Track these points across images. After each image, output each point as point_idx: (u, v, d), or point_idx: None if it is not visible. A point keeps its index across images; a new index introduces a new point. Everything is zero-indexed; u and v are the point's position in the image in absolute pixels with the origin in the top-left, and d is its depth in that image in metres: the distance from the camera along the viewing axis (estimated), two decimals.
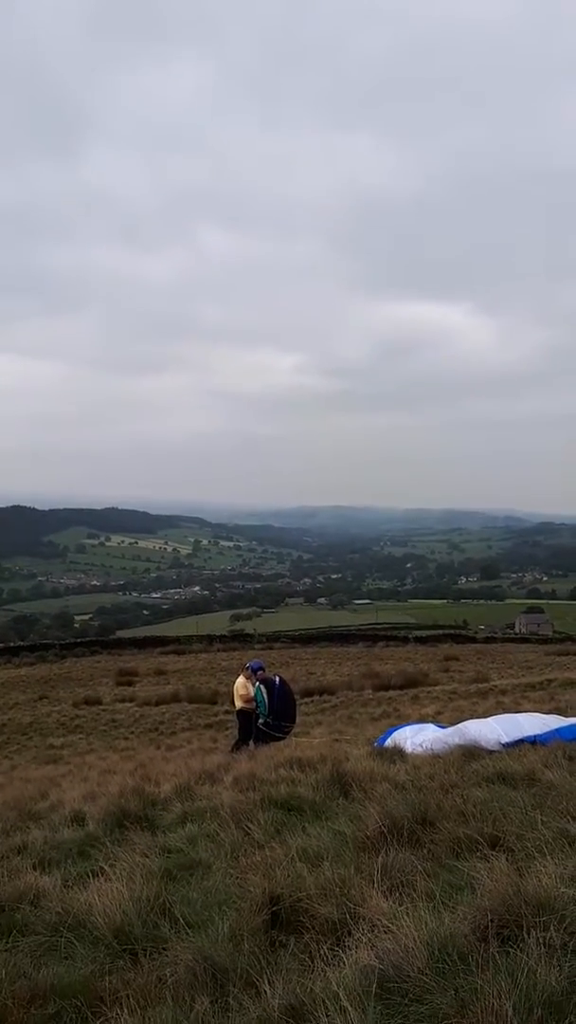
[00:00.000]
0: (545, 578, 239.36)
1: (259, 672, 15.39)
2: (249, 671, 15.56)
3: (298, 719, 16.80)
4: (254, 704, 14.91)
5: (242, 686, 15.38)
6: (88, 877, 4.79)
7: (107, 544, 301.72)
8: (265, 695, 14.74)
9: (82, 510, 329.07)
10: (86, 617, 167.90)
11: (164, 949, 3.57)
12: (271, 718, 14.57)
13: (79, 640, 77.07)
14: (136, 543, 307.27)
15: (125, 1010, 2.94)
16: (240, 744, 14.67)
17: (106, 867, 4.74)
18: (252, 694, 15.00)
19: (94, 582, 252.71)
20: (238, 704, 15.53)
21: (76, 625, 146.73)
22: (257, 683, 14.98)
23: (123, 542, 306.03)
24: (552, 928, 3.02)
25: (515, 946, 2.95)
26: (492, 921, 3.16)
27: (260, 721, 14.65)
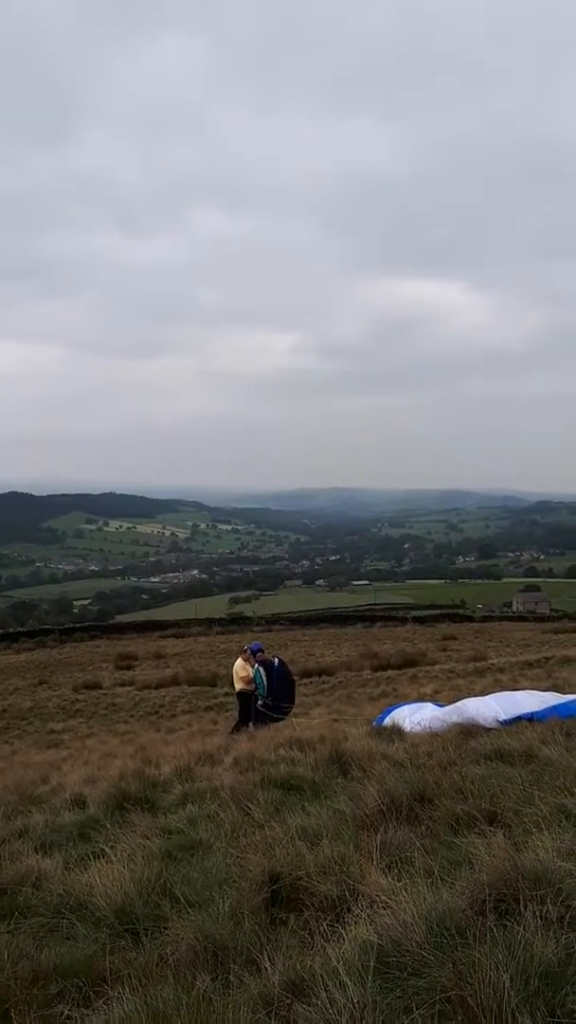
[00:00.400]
0: (542, 556, 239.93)
1: (258, 654, 15.45)
2: (248, 653, 15.62)
3: (297, 700, 16.89)
4: (254, 686, 14.98)
5: (241, 668, 15.44)
6: (89, 859, 4.82)
7: (105, 529, 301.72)
8: (264, 677, 14.80)
9: (80, 495, 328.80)
10: (85, 602, 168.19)
11: (165, 928, 3.60)
12: (270, 699, 14.65)
13: (78, 625, 77.29)
14: (134, 528, 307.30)
15: (127, 988, 2.97)
16: (240, 726, 14.75)
17: (107, 849, 4.77)
18: (252, 676, 15.07)
19: (92, 567, 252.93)
20: (238, 686, 15.61)
21: (75, 610, 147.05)
22: (256, 665, 15.04)
23: (121, 527, 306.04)
24: (549, 901, 3.05)
25: (512, 919, 2.98)
26: (490, 895, 3.19)
27: (259, 703, 14.73)
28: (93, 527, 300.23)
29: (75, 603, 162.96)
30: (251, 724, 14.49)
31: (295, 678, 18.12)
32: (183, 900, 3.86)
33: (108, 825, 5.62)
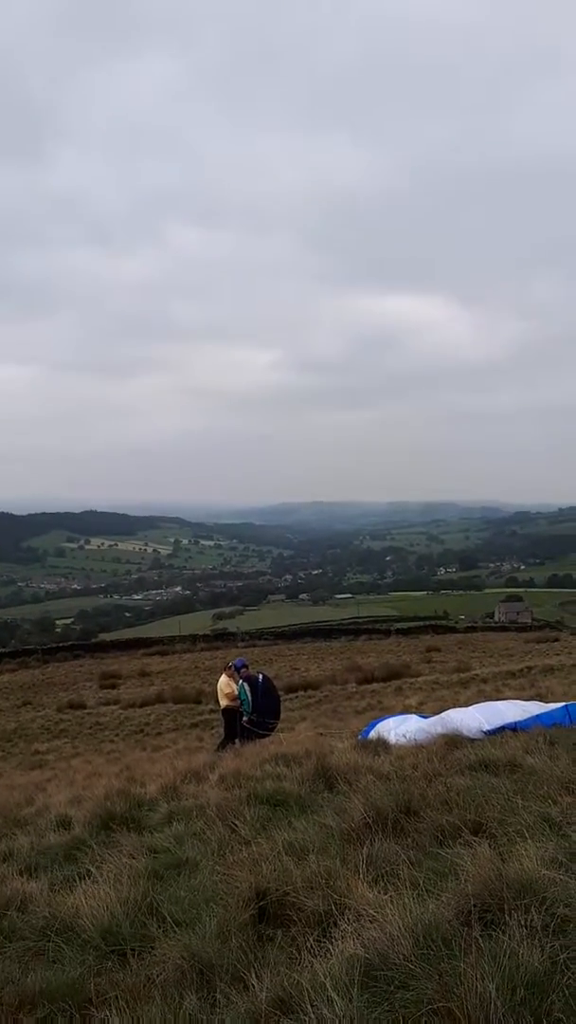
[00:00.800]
0: (522, 567, 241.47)
1: (242, 670, 15.41)
2: (232, 669, 15.58)
3: (283, 715, 16.85)
4: (239, 702, 14.93)
5: (226, 684, 15.39)
6: (75, 881, 4.78)
7: (87, 547, 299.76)
8: (249, 693, 14.77)
9: (60, 514, 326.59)
10: (67, 621, 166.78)
11: (152, 948, 3.58)
12: (256, 715, 14.60)
13: (61, 645, 76.61)
14: (116, 545, 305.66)
15: (114, 1010, 2.95)
16: (226, 742, 14.69)
17: (93, 870, 4.74)
18: (236, 692, 15.03)
19: (74, 586, 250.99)
20: (223, 703, 15.54)
21: (57, 630, 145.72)
22: (241, 681, 15.00)
23: (103, 545, 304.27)
24: (533, 910, 3.07)
25: (498, 929, 3.00)
26: (475, 906, 3.21)
27: (244, 719, 14.68)
28: (74, 546, 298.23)
29: (57, 622, 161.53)
30: (237, 740, 14.43)
31: (280, 693, 18.09)
32: (170, 919, 3.84)
33: (94, 845, 5.57)
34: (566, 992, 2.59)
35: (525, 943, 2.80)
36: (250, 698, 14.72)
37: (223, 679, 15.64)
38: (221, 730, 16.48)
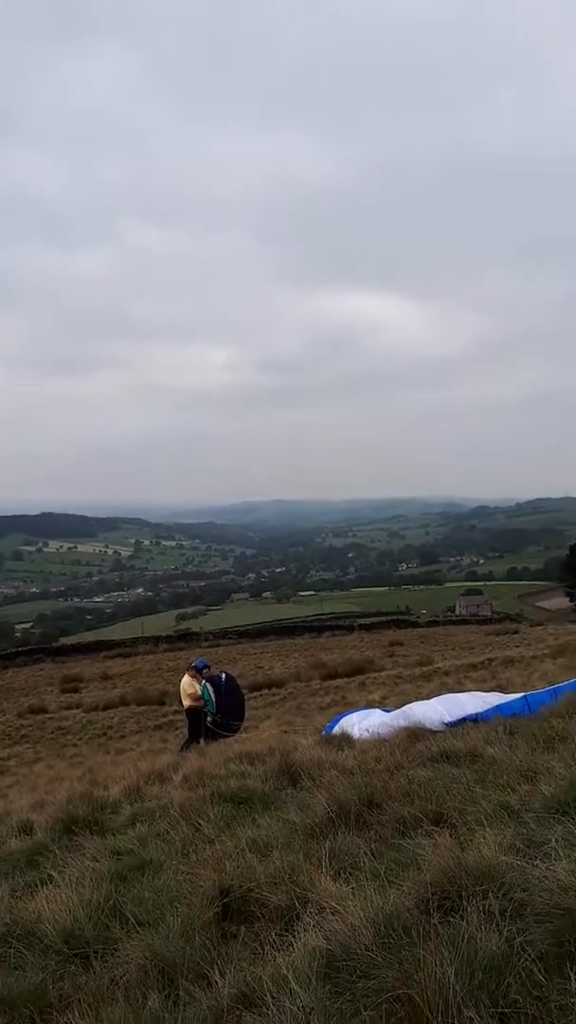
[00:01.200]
0: (482, 560, 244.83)
1: (204, 670, 15.38)
2: (194, 670, 15.54)
3: (247, 713, 16.86)
4: (202, 702, 14.89)
5: (189, 685, 15.35)
6: (37, 886, 4.73)
7: (45, 550, 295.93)
8: (212, 693, 14.74)
9: (17, 516, 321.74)
10: (27, 626, 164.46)
11: (115, 950, 3.57)
12: (219, 715, 14.58)
13: (20, 649, 75.47)
14: (75, 548, 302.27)
15: (77, 1014, 2.94)
16: (190, 743, 14.65)
17: (55, 874, 4.70)
18: (199, 692, 14.99)
19: (33, 589, 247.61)
20: (186, 703, 15.50)
21: (17, 634, 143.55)
22: (204, 681, 14.97)
23: (62, 547, 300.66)
24: (491, 896, 3.13)
25: (457, 916, 3.04)
26: (435, 894, 3.26)
27: (208, 719, 14.65)
28: (32, 548, 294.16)
29: (16, 627, 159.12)
30: (201, 740, 14.40)
31: (244, 692, 18.09)
32: (133, 920, 3.83)
33: (56, 850, 5.52)
34: (523, 974, 2.65)
35: (483, 928, 2.85)
36: (213, 698, 14.69)
37: (185, 679, 15.59)
38: (186, 731, 16.43)
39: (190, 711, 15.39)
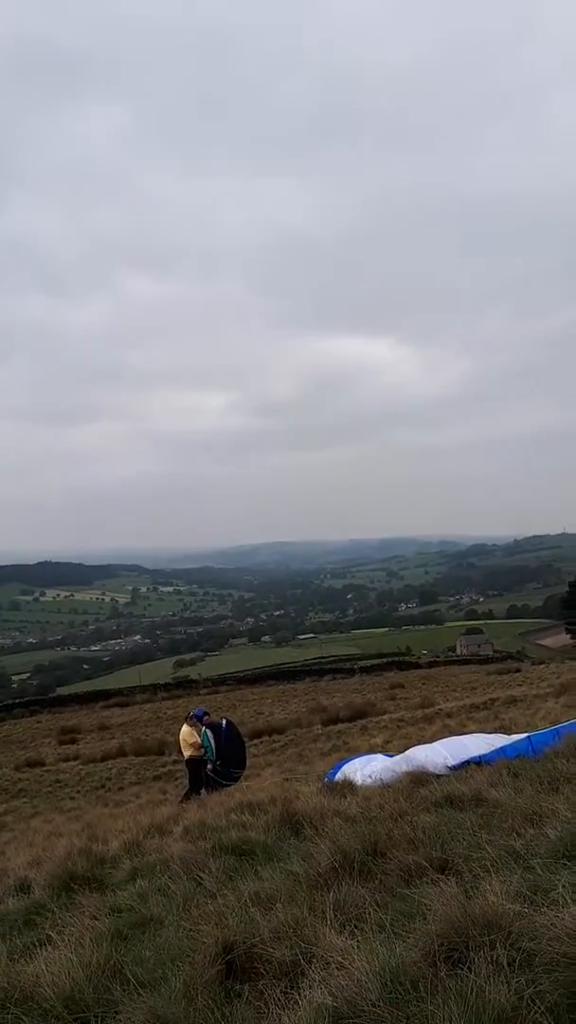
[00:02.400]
0: (481, 599, 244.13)
1: (204, 718, 15.21)
2: (193, 719, 15.37)
3: (248, 761, 16.62)
4: (203, 750, 14.70)
5: (188, 734, 15.16)
6: (35, 947, 4.61)
7: (42, 599, 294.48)
8: (212, 740, 14.56)
9: (14, 566, 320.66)
10: (24, 676, 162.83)
11: (116, 1013, 3.47)
12: (220, 763, 14.38)
13: (17, 701, 74.61)
14: (72, 596, 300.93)
15: None
16: (191, 793, 14.42)
17: (53, 934, 4.58)
18: (199, 741, 14.80)
19: (30, 639, 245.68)
20: (187, 753, 15.29)
21: (13, 685, 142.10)
22: (204, 728, 14.80)
23: (59, 596, 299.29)
24: (499, 945, 3.06)
25: (464, 967, 2.98)
26: (441, 945, 3.19)
27: (208, 767, 14.45)
28: (29, 598, 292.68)
29: (13, 678, 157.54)
30: (203, 790, 14.18)
31: (245, 739, 17.85)
32: (134, 981, 3.73)
33: (55, 909, 5.40)
34: None
35: (491, 980, 2.79)
36: (214, 745, 14.51)
37: (185, 729, 15.40)
38: (186, 781, 16.18)
39: (190, 761, 15.18)
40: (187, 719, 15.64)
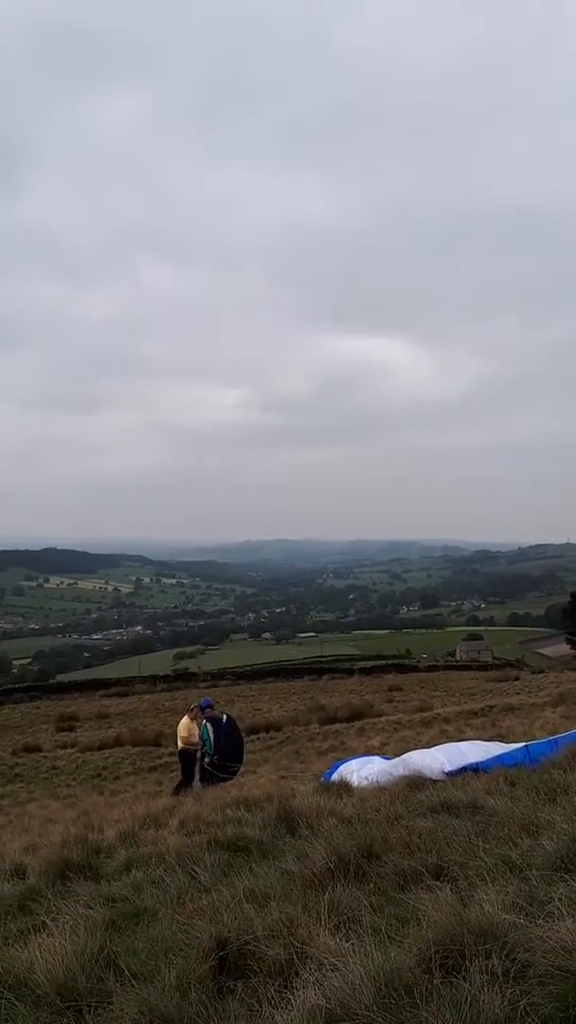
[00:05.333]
0: (483, 605, 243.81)
1: (207, 710, 15.24)
2: (196, 711, 15.41)
3: (245, 757, 16.64)
4: (200, 744, 14.74)
5: (184, 728, 15.21)
6: (29, 933, 4.63)
7: (45, 586, 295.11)
8: (212, 733, 14.60)
9: (19, 551, 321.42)
10: (25, 662, 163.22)
11: (109, 1004, 3.48)
12: (217, 757, 14.41)
13: (17, 686, 74.80)
14: (76, 584, 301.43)
15: None
16: (182, 786, 14.45)
17: (48, 921, 4.61)
18: (194, 735, 14.85)
19: (32, 625, 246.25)
20: (180, 745, 15.34)
21: (14, 670, 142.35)
22: (204, 721, 14.84)
23: (62, 583, 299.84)
24: (494, 955, 3.07)
25: (459, 975, 2.99)
26: (436, 952, 3.19)
27: (206, 760, 14.48)
28: (33, 584, 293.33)
29: (14, 663, 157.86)
30: (197, 783, 14.21)
31: (243, 735, 17.88)
32: (128, 972, 3.75)
33: (49, 895, 5.42)
34: None
35: (486, 989, 2.80)
36: (212, 738, 14.54)
37: (184, 721, 15.45)
38: (179, 773, 16.23)
39: (183, 753, 15.23)
40: (188, 711, 15.66)
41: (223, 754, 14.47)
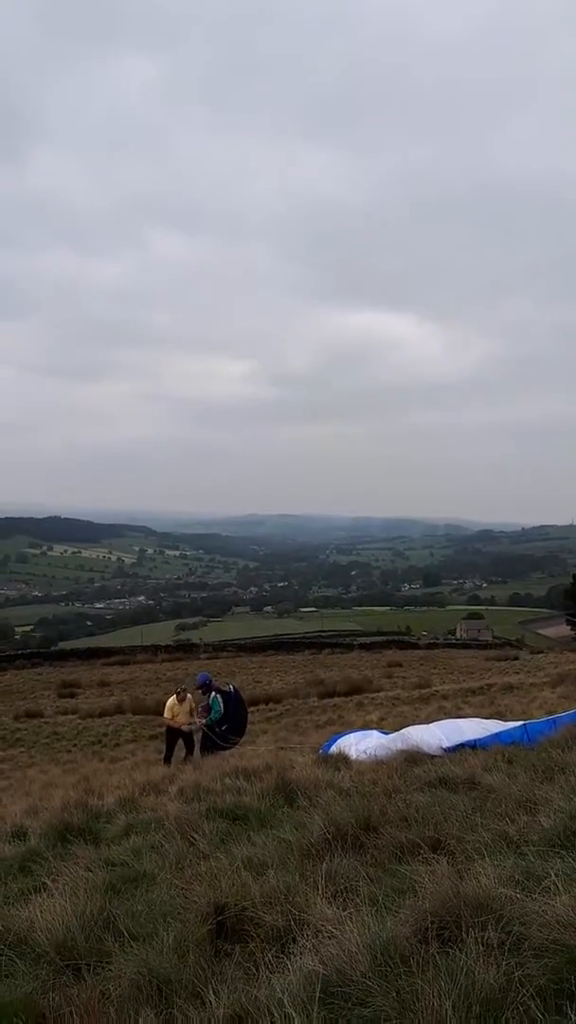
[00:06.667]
0: (485, 585, 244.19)
1: (208, 685, 15.30)
2: (183, 693, 15.52)
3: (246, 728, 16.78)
4: (202, 710, 14.86)
5: (168, 709, 15.33)
6: (30, 893, 4.71)
7: (49, 554, 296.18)
8: (222, 704, 14.73)
9: (23, 519, 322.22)
10: (27, 628, 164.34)
11: (108, 963, 3.54)
12: (227, 727, 14.55)
13: (20, 652, 75.46)
14: (79, 552, 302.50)
15: None
16: (167, 760, 14.59)
17: (48, 882, 4.68)
18: (178, 715, 14.97)
19: (36, 592, 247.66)
20: (166, 720, 15.49)
21: (17, 637, 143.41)
22: (214, 694, 14.95)
23: (66, 551, 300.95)
24: (490, 928, 3.10)
25: (455, 946, 3.02)
26: (433, 923, 3.23)
27: (216, 729, 14.58)
28: (37, 552, 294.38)
29: (17, 629, 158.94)
30: (197, 752, 14.34)
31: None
32: (127, 934, 3.81)
33: (50, 857, 5.50)
34: (520, 1009, 2.62)
35: (481, 960, 2.83)
36: (223, 709, 14.68)
37: (170, 701, 15.50)
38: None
39: (169, 729, 15.38)
40: (176, 693, 15.67)
41: (231, 724, 14.64)
